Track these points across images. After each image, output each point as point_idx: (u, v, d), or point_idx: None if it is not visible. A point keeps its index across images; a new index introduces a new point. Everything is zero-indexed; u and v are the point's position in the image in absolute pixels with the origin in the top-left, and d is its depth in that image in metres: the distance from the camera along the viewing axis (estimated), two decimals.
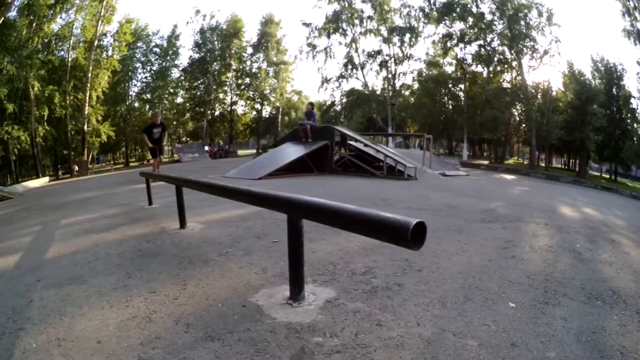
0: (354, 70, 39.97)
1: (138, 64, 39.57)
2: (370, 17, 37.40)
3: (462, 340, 2.43)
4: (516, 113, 35.62)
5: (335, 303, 2.96)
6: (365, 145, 15.20)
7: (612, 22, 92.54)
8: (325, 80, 41.14)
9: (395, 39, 37.36)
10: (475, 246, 4.67)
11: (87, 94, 29.29)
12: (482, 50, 33.46)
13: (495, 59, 33.36)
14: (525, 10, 31.58)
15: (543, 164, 38.26)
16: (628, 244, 5.66)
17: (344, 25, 38.32)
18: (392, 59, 37.82)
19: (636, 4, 28.86)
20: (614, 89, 35.01)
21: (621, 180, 36.49)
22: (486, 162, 32.28)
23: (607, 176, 38.98)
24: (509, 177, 19.84)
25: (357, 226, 2.20)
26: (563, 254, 4.59)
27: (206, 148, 35.54)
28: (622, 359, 2.35)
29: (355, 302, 2.99)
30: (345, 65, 39.89)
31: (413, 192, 9.70)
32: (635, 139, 33.77)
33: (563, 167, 41.87)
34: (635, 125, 35.56)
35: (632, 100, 34.76)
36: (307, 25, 40.20)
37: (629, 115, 35.53)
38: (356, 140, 15.51)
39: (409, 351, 2.29)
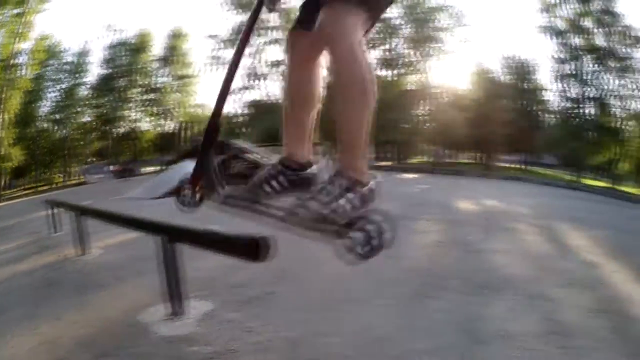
0: (257, 81, 39.85)
1: (49, 83, 37.93)
2: (275, 27, 37.42)
3: (327, 339, 2.54)
4: (421, 113, 36.47)
5: (212, 315, 3.04)
6: (262, 157, 15.19)
7: (525, 19, 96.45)
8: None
9: None
10: None
11: (0, 117, 27.51)
12: (387, 54, 34.19)
13: (400, 62, 34.10)
14: (435, 14, 32.65)
15: (451, 161, 39.39)
16: (527, 230, 6.03)
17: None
18: None
19: (556, 1, 30.90)
20: (525, 84, 37.13)
21: (532, 169, 38.20)
22: (390, 163, 32.92)
23: (519, 166, 40.59)
24: (411, 176, 20.43)
25: (215, 246, 2.31)
26: (452, 248, 4.87)
27: (110, 168, 34.57)
28: (502, 343, 2.49)
29: (230, 312, 3.07)
30: (249, 76, 39.72)
31: None
32: (545, 129, 35.53)
33: (472, 161, 43.02)
34: (546, 116, 37.80)
35: (543, 92, 36.97)
36: (213, 37, 39.80)
37: (539, 107, 37.72)
38: (252, 153, 15.50)
39: (275, 353, 2.42)
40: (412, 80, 35.02)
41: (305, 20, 1.81)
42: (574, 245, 5.73)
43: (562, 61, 33.23)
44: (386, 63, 34.32)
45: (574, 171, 33.05)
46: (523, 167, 39.54)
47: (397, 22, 33.46)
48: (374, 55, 34.45)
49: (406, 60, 33.94)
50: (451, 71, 34.91)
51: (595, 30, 31.31)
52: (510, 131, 33.63)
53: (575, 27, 30.77)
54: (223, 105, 2.05)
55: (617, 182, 34.20)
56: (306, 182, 1.88)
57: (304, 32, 1.84)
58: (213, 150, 2.07)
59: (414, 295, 3.27)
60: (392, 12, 32.75)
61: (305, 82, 1.97)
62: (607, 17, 31.18)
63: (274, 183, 1.89)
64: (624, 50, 31.68)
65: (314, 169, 1.95)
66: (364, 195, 1.61)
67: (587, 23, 31.13)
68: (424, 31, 32.40)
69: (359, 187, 1.61)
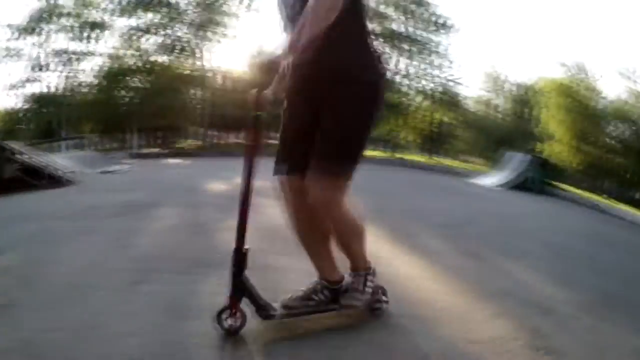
0: (40, 73, 35.94)
1: None
2: (69, 13, 33.80)
3: (53, 334, 2.46)
4: (194, 97, 36.22)
5: None
6: (35, 160, 13.91)
7: None
8: (12, 87, 36.07)
9: (85, 35, 34.57)
10: (94, 245, 4.56)
11: None
12: (167, 40, 33.15)
13: (179, 47, 33.32)
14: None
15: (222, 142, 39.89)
16: (269, 204, 6.27)
17: (43, 24, 34.10)
18: (77, 57, 35.03)
19: None
20: None
21: None
22: (158, 149, 32.28)
23: None
24: (177, 161, 20.25)
25: None
26: (183, 231, 4.97)
27: None
28: (206, 317, 2.50)
29: None
30: (33, 67, 35.60)
31: (69, 199, 8.97)
32: None
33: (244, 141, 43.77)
34: None
35: None
36: (10, 26, 34.70)
37: None
38: (22, 154, 14.12)
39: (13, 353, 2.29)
40: (188, 65, 34.48)
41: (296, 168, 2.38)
42: None
43: None
44: (165, 48, 33.23)
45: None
46: None
47: (184, 6, 32.57)
48: (152, 42, 33.26)
49: (185, 44, 33.25)
50: (232, 55, 34.75)
51: (397, 17, 34.65)
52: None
53: (375, 13, 32.70)
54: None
55: (398, 151, 37.56)
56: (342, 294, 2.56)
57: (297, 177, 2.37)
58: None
59: (132, 282, 3.27)
60: None
61: (310, 219, 2.49)
62: (413, 5, 34.70)
63: (321, 296, 2.54)
64: (424, 34, 35.38)
65: (345, 282, 2.61)
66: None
67: (388, 10, 34.37)
68: (209, 16, 32.18)
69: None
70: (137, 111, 32.73)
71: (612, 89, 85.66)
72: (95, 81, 36.50)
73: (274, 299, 2.62)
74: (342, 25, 2.07)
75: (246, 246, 2.41)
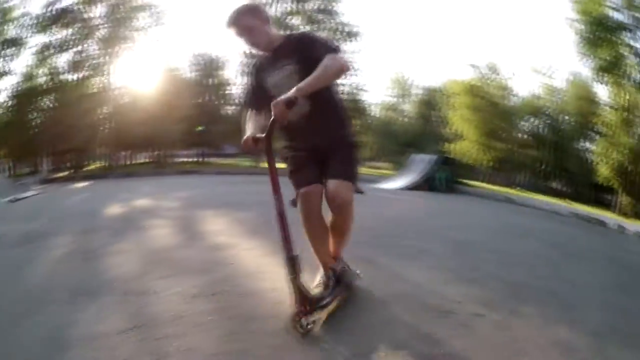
0: None
1: None
2: None
3: None
4: (100, 117, 34.84)
5: None
6: None
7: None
8: None
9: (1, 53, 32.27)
10: None
11: None
12: (78, 57, 31.60)
13: (88, 64, 31.87)
14: (136, 13, 31.36)
15: (127, 162, 38.99)
16: (163, 224, 6.44)
17: None
18: None
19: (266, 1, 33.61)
20: (210, 79, 39.86)
21: (210, 161, 40.93)
22: (67, 173, 30.92)
23: (196, 160, 41.96)
24: (84, 184, 19.28)
25: None
26: (72, 259, 4.73)
27: None
28: (84, 345, 2.55)
29: None
30: None
31: None
32: (225, 122, 37.81)
33: (149, 161, 42.87)
34: (227, 108, 40.56)
35: (228, 86, 40.08)
36: None
37: (222, 101, 40.70)
38: None
39: None
40: (95, 83, 33.12)
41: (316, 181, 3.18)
42: (208, 231, 6.17)
43: (252, 56, 35.24)
44: (75, 66, 31.60)
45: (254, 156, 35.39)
46: (200, 160, 41.04)
47: (96, 22, 31.18)
48: (65, 59, 31.64)
49: (95, 62, 31.87)
50: (139, 71, 33.72)
51: (303, 27, 33.86)
52: (187, 127, 34.48)
53: (281, 24, 32.43)
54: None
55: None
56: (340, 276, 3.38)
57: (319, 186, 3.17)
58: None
59: (18, 314, 3.17)
60: (94, 12, 30.70)
61: (322, 222, 3.27)
62: (321, 15, 34.52)
63: (332, 282, 3.27)
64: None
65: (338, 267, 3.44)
66: None
67: (295, 21, 33.81)
68: (120, 31, 31.00)
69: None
70: (47, 134, 31.23)
71: (526, 86, 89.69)
72: (9, 102, 34.58)
73: (151, 325, 2.72)
74: (337, 97, 3.35)
75: (295, 252, 2.83)
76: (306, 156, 3.29)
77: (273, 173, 2.89)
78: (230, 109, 39.74)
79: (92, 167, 36.54)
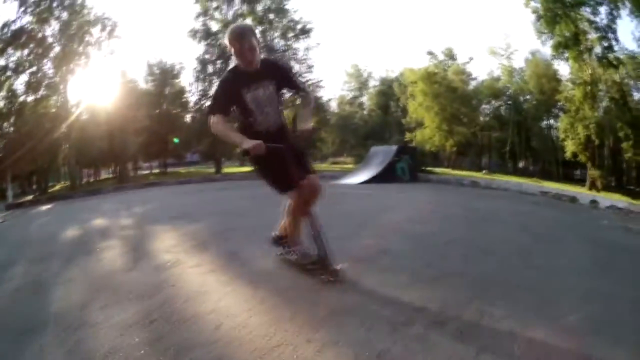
0: None
1: None
2: None
3: None
4: (59, 136, 34.08)
5: None
6: None
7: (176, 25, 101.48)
8: None
9: None
10: None
11: None
12: (34, 78, 30.71)
13: (45, 83, 31.04)
14: (89, 27, 30.70)
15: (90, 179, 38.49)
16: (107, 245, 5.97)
17: None
18: None
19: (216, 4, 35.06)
20: (167, 88, 39.66)
21: (174, 171, 40.36)
22: (33, 196, 30.17)
23: (159, 171, 41.65)
24: (48, 206, 18.69)
25: None
26: (23, 292, 4.47)
27: None
28: None
29: None
30: None
31: None
32: (184, 129, 38.63)
33: (112, 175, 42.46)
34: (185, 116, 40.81)
35: (185, 94, 40.08)
36: None
37: (180, 109, 40.64)
38: None
39: None
40: (53, 102, 32.31)
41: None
42: (156, 249, 5.84)
43: (206, 62, 36.05)
44: (31, 87, 30.71)
45: (215, 162, 35.01)
46: (163, 170, 40.62)
47: (50, 40, 30.33)
48: (21, 80, 30.67)
49: (51, 81, 31.05)
50: (94, 86, 33.09)
51: (255, 27, 33.43)
52: (147, 138, 34.03)
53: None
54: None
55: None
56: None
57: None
58: None
59: None
60: (48, 31, 30.02)
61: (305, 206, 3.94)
62: (273, 15, 35.33)
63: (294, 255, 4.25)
64: (282, 42, 36.59)
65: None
66: None
67: (248, 21, 33.59)
68: (73, 48, 30.52)
69: None
70: (9, 158, 30.43)
71: (485, 69, 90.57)
72: None
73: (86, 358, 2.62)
74: None
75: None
76: (281, 153, 3.92)
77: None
78: (188, 117, 39.61)
79: (57, 187, 35.89)
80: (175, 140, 38.23)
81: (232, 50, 3.69)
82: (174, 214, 9.28)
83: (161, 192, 19.02)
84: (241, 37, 3.63)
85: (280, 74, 4.01)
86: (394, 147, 20.56)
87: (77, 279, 4.63)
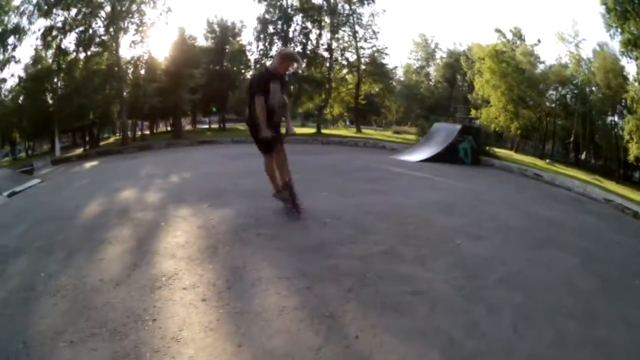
0: None
1: None
2: None
3: None
4: (113, 91, 34.35)
5: None
6: None
7: None
8: None
9: (4, 42, 31.89)
10: None
11: None
12: (82, 36, 30.94)
13: (95, 42, 31.33)
14: None
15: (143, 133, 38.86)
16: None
17: None
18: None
19: None
20: (227, 46, 39.99)
21: (231, 127, 41.64)
22: (82, 150, 30.51)
23: (216, 127, 42.02)
24: (93, 164, 18.67)
25: None
26: (14, 301, 4.06)
27: None
28: None
29: None
30: None
31: None
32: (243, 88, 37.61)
33: (167, 130, 42.81)
34: (245, 73, 40.86)
35: (246, 53, 39.68)
36: None
37: (241, 67, 40.97)
38: None
39: None
40: (105, 59, 32.56)
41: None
42: (160, 251, 5.15)
43: (267, 22, 36.24)
44: (82, 44, 31.01)
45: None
46: (220, 126, 40.83)
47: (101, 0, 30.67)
48: (69, 40, 31.08)
49: (102, 38, 31.30)
50: (150, 43, 33.22)
51: None
52: (206, 95, 34.02)
53: None
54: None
55: (325, 127, 37.25)
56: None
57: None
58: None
59: None
60: None
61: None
62: None
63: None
64: (347, 7, 36.54)
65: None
66: None
67: None
68: (125, 6, 30.93)
69: None
70: (59, 113, 30.78)
71: (551, 54, 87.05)
72: (19, 87, 34.37)
73: None
74: None
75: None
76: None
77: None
78: (249, 75, 39.12)
79: (111, 139, 36.25)
80: (214, 109, 38.10)
81: (277, 59, 6.17)
82: (206, 191, 8.58)
83: (211, 153, 18.63)
84: (289, 59, 6.22)
85: (285, 83, 6.43)
86: (458, 126, 19.45)
87: (64, 291, 4.13)
